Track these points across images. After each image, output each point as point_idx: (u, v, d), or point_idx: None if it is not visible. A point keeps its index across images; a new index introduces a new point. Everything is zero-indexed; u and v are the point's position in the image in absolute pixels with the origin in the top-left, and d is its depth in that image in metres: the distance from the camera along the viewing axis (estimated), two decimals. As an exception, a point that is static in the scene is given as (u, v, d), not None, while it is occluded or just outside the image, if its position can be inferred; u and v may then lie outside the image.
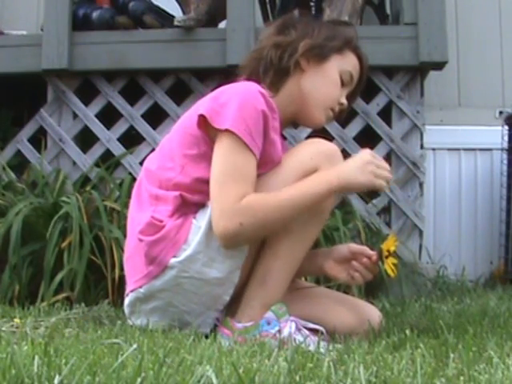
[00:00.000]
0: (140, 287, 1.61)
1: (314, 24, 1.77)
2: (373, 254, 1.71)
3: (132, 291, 1.64)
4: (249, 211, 1.54)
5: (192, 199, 1.61)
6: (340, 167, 1.59)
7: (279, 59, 1.71)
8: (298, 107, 1.73)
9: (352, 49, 1.76)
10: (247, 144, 1.55)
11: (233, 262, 1.58)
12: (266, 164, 1.61)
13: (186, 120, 1.69)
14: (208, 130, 1.60)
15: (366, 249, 1.75)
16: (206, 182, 1.59)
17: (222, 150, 1.57)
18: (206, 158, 1.60)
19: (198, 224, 1.58)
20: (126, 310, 1.69)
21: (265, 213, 1.55)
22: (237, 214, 1.53)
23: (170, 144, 1.68)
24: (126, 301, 1.68)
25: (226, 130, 1.55)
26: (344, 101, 1.76)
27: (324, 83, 1.74)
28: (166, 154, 1.68)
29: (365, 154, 1.60)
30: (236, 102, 1.56)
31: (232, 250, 1.57)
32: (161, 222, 1.59)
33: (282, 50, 1.71)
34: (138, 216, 1.65)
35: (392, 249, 1.68)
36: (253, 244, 1.61)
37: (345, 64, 1.75)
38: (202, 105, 1.63)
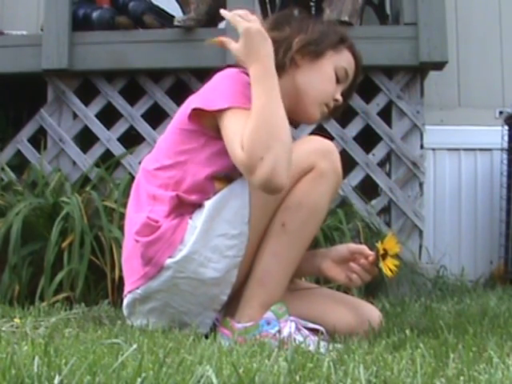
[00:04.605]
0: (137, 288, 1.61)
1: (308, 21, 1.78)
2: (371, 253, 1.70)
3: (130, 292, 1.64)
4: (251, 144, 1.47)
5: (189, 199, 1.61)
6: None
7: (274, 55, 1.70)
8: (293, 103, 1.72)
9: (347, 46, 1.77)
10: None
11: (229, 261, 1.57)
12: None
13: (178, 118, 1.70)
14: (203, 122, 1.61)
15: (364, 248, 1.74)
16: (204, 180, 1.60)
17: (230, 121, 1.54)
18: (203, 151, 1.61)
19: (194, 224, 1.58)
20: (125, 311, 1.69)
21: (260, 133, 1.47)
22: (248, 156, 1.47)
23: (166, 143, 1.69)
24: (125, 302, 1.68)
25: (228, 108, 1.55)
26: (339, 97, 1.76)
27: (319, 79, 1.74)
28: (162, 154, 1.68)
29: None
30: (225, 82, 1.61)
31: (228, 249, 1.56)
32: (156, 222, 1.58)
33: (277, 46, 1.70)
34: (135, 216, 1.65)
35: (395, 250, 1.67)
36: (250, 243, 1.59)
37: (340, 60, 1.75)
38: (192, 101, 1.65)
